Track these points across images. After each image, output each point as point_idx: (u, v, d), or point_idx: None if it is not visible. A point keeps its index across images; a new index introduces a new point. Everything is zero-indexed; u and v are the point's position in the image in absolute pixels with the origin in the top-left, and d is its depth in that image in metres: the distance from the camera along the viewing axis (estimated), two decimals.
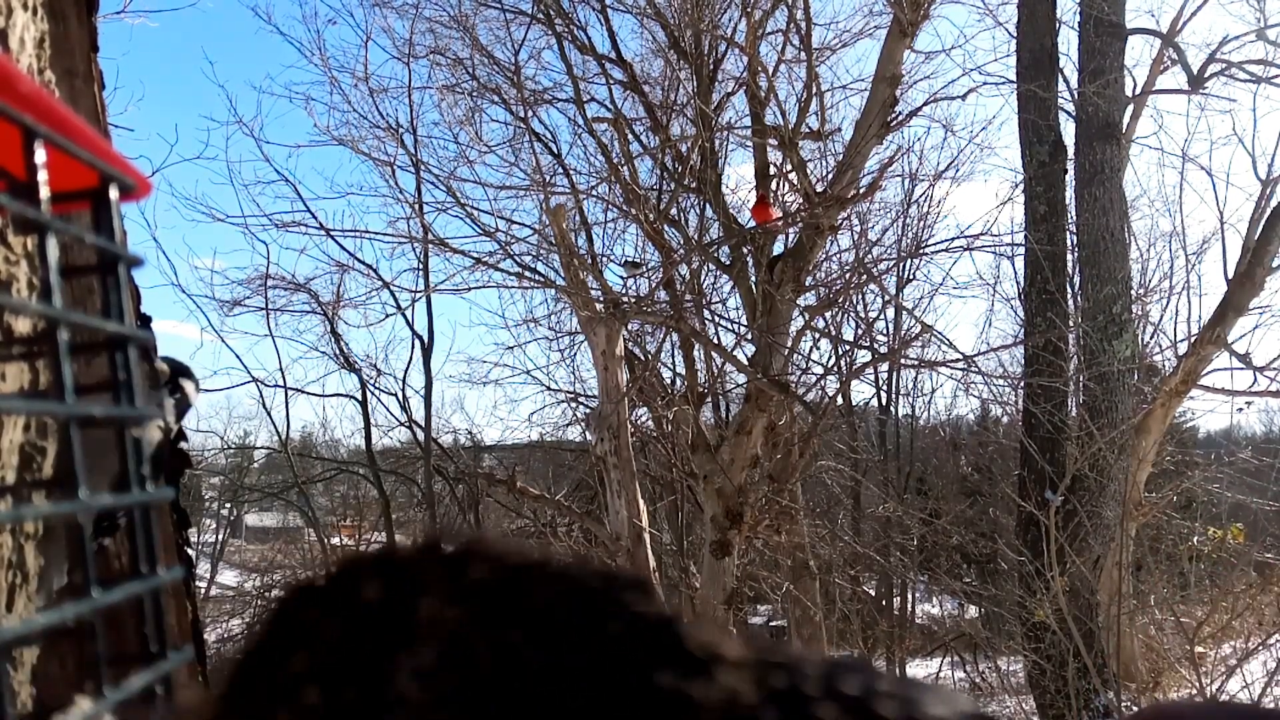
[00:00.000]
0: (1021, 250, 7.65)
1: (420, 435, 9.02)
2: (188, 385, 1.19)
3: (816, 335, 7.27)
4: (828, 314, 7.48)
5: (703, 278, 7.18)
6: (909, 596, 13.00)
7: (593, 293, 6.16)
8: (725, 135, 6.93)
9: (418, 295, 8.43)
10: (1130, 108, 7.64)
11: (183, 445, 1.13)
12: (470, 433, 10.81)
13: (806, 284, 6.21)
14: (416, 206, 7.30)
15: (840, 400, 8.80)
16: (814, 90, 6.20)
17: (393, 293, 8.38)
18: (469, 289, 7.38)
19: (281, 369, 9.22)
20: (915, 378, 12.91)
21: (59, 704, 0.30)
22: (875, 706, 0.20)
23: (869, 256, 7.25)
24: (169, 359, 1.20)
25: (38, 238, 0.32)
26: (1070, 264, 7.48)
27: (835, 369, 7.19)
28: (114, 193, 0.37)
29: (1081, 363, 6.88)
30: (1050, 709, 6.18)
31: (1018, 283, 8.90)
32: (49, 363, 0.32)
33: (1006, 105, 11.73)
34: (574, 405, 8.64)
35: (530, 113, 6.81)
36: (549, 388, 8.59)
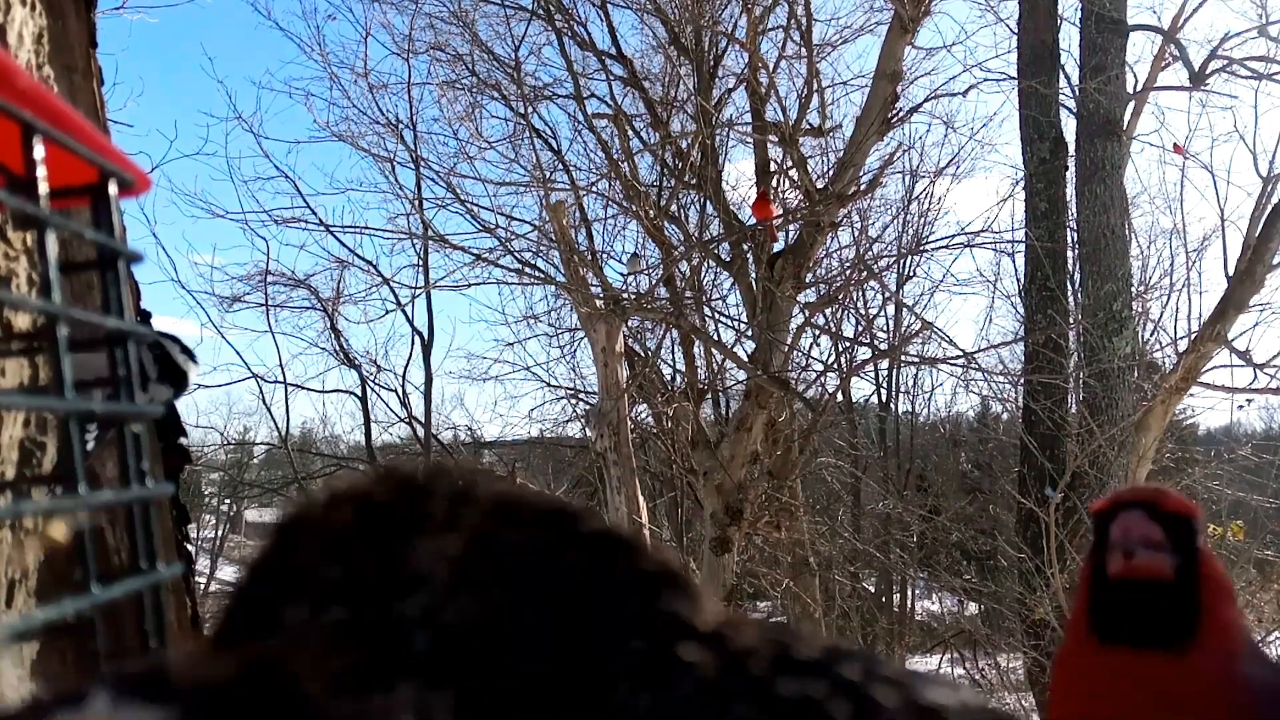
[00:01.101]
0: (1022, 247, 7.64)
1: (420, 431, 9.02)
2: (187, 365, 1.15)
3: (816, 332, 7.27)
4: (828, 310, 7.47)
5: (703, 274, 7.18)
6: (909, 593, 13.00)
7: (593, 289, 6.16)
8: (726, 131, 6.92)
9: (418, 291, 8.42)
10: (1131, 104, 7.62)
11: (182, 441, 1.13)
12: (470, 429, 10.83)
13: (807, 280, 6.21)
14: (416, 203, 7.30)
15: (840, 397, 8.80)
16: (815, 86, 6.19)
17: (393, 289, 8.38)
18: (469, 285, 7.38)
19: (281, 365, 9.22)
20: (915, 374, 12.89)
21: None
22: (872, 692, 0.20)
23: (869, 253, 7.25)
24: (172, 338, 1.16)
25: (37, 233, 0.31)
26: (1071, 261, 7.48)
27: (835, 365, 7.19)
28: (113, 188, 0.37)
29: (1081, 360, 6.88)
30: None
31: (1018, 279, 8.89)
32: (48, 358, 0.32)
33: (1007, 102, 11.73)
34: (574, 402, 8.65)
35: (530, 109, 6.80)
36: (549, 384, 8.60)
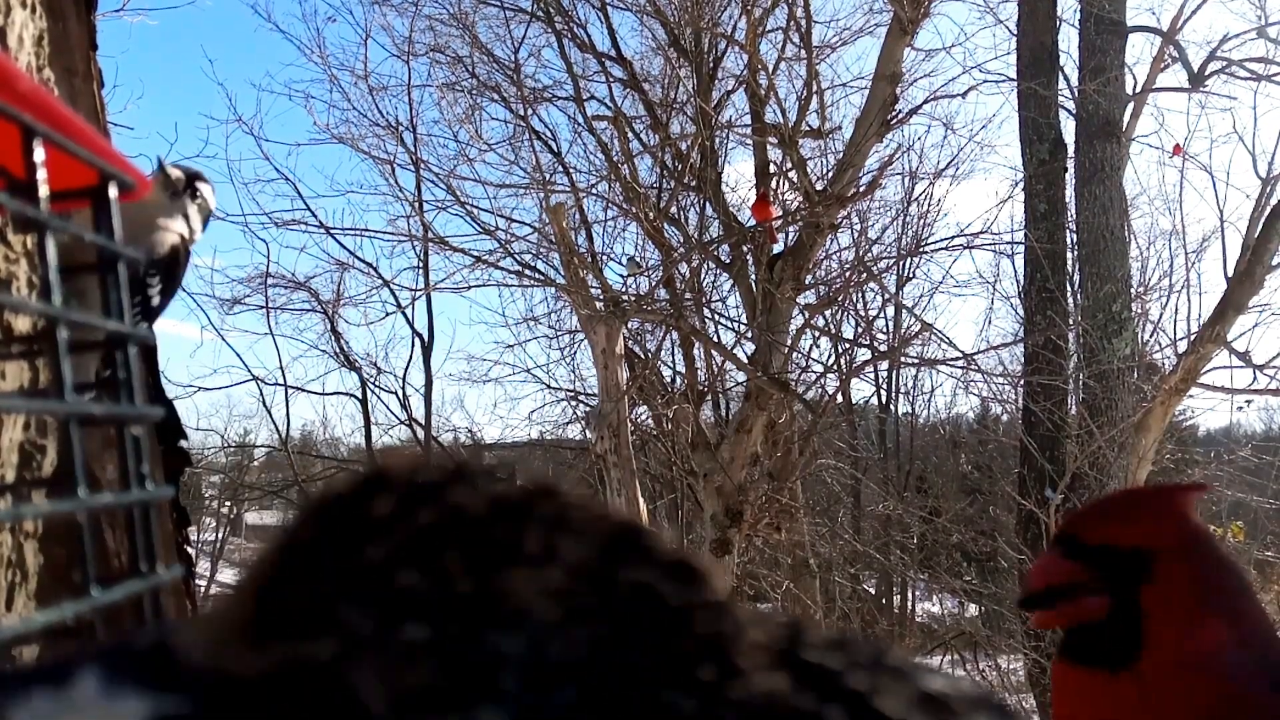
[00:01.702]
0: (1021, 248, 7.65)
1: (420, 433, 9.02)
2: (205, 189, 1.19)
3: (816, 333, 7.26)
4: (828, 312, 7.48)
5: (702, 276, 7.18)
6: (909, 594, 13.01)
7: (593, 291, 6.16)
8: (725, 133, 6.93)
9: (418, 293, 8.42)
10: (1131, 106, 7.63)
11: (182, 444, 1.13)
12: (470, 431, 10.81)
13: (806, 282, 6.21)
14: (416, 205, 7.30)
15: (840, 398, 8.80)
16: (814, 88, 6.20)
17: (393, 291, 8.37)
18: (469, 287, 7.37)
19: (281, 367, 9.20)
20: (915, 376, 12.90)
21: None
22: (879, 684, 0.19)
23: (869, 255, 7.25)
24: (183, 166, 1.19)
25: (37, 236, 0.31)
26: (1070, 262, 7.48)
27: (835, 367, 7.19)
28: (113, 191, 0.37)
29: (1081, 361, 6.88)
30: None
31: (1017, 281, 8.90)
32: (48, 361, 0.32)
33: (1006, 103, 11.72)
34: (574, 403, 8.64)
35: (530, 111, 6.81)
36: (549, 386, 8.59)
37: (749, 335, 6.47)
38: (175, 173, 1.13)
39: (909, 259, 8.73)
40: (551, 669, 0.17)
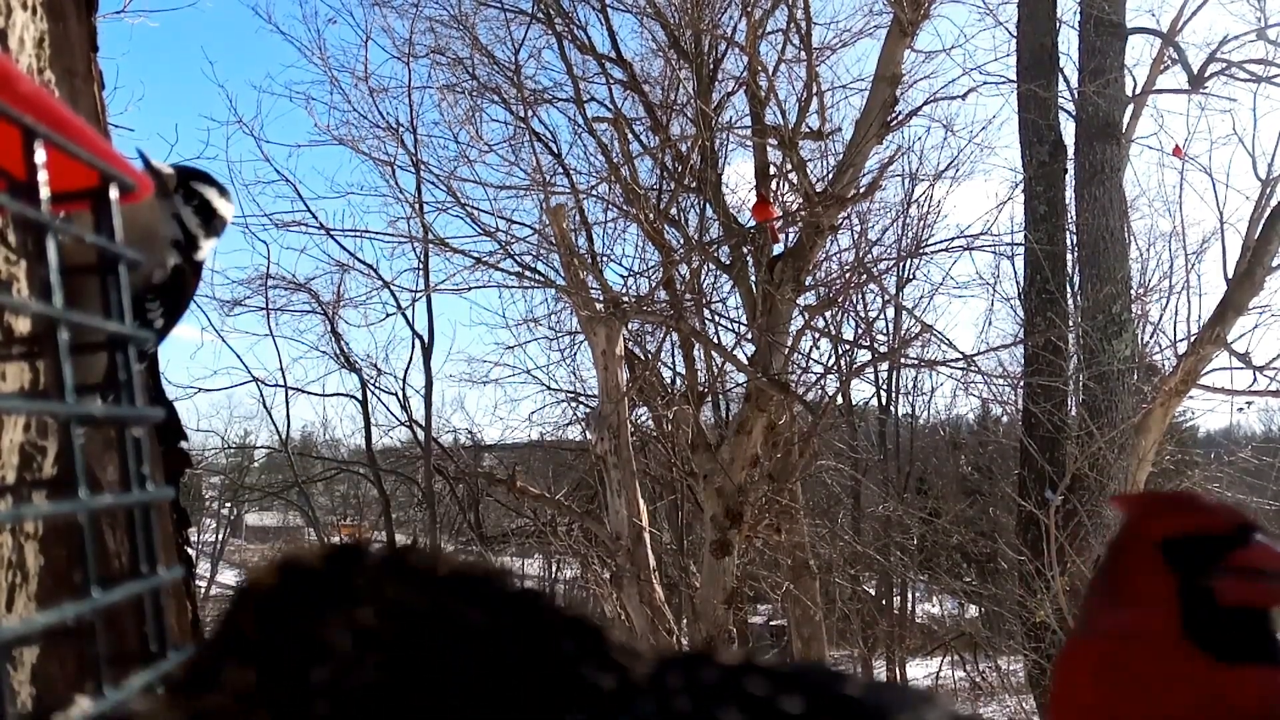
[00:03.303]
0: (1021, 250, 7.64)
1: (420, 435, 9.02)
2: (209, 191, 1.03)
3: (816, 335, 7.26)
4: (828, 313, 7.48)
5: (703, 277, 7.18)
6: (909, 596, 13.01)
7: (593, 292, 6.16)
8: (725, 135, 6.93)
9: (418, 295, 8.43)
10: (1130, 107, 7.63)
11: (183, 445, 1.12)
12: (470, 432, 10.81)
13: (806, 284, 6.20)
14: (417, 206, 7.30)
15: (840, 400, 8.80)
16: (814, 90, 6.19)
17: (393, 292, 8.39)
18: (469, 289, 7.38)
19: (282, 368, 9.23)
20: (915, 377, 12.91)
21: (59, 704, 0.30)
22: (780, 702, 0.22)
23: (869, 256, 7.25)
24: (185, 167, 1.05)
25: (38, 237, 0.32)
26: (1070, 264, 7.47)
27: (835, 368, 7.19)
28: (114, 193, 0.37)
29: (1081, 362, 6.87)
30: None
31: (1017, 282, 8.89)
32: (49, 362, 0.32)
33: (1006, 105, 11.73)
34: (574, 405, 8.65)
35: (530, 112, 6.81)
36: (549, 387, 8.60)
37: (749, 336, 6.47)
38: (164, 169, 1.01)
39: (909, 260, 8.74)
40: (351, 690, 0.22)
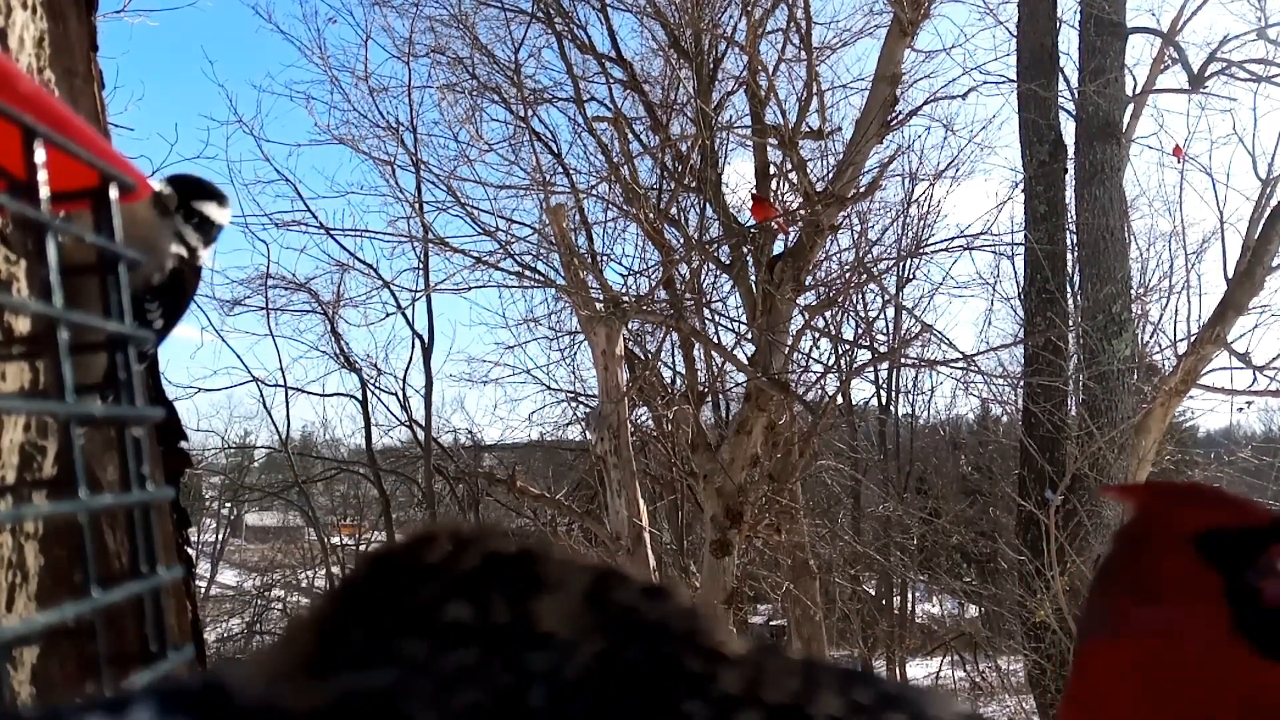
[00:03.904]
0: (1021, 250, 7.65)
1: (420, 435, 9.01)
2: (208, 207, 1.08)
3: (816, 335, 7.27)
4: (828, 313, 7.47)
5: (703, 277, 7.18)
6: (909, 596, 13.00)
7: (593, 292, 6.16)
8: (725, 134, 6.93)
9: (418, 294, 8.42)
10: (1130, 107, 7.64)
11: (183, 445, 1.12)
12: (470, 432, 10.80)
13: (806, 283, 6.20)
14: (416, 206, 7.30)
15: (840, 399, 8.79)
16: (814, 89, 6.20)
17: (393, 292, 8.38)
18: (469, 288, 7.37)
19: (282, 368, 9.22)
20: (915, 377, 12.90)
21: (59, 704, 0.30)
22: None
23: (869, 256, 7.25)
24: (183, 179, 1.08)
25: (38, 237, 0.31)
26: (1070, 263, 7.48)
27: (835, 368, 7.19)
28: (114, 192, 0.37)
29: (1081, 362, 6.88)
30: (1051, 709, 6.18)
31: (1017, 282, 8.89)
32: (49, 362, 0.32)
33: (1006, 104, 11.73)
34: (574, 405, 8.64)
35: (530, 112, 6.81)
36: (549, 387, 8.59)
37: (749, 336, 6.47)
38: (165, 190, 1.05)
39: (909, 260, 8.73)
40: (570, 681, 0.19)
